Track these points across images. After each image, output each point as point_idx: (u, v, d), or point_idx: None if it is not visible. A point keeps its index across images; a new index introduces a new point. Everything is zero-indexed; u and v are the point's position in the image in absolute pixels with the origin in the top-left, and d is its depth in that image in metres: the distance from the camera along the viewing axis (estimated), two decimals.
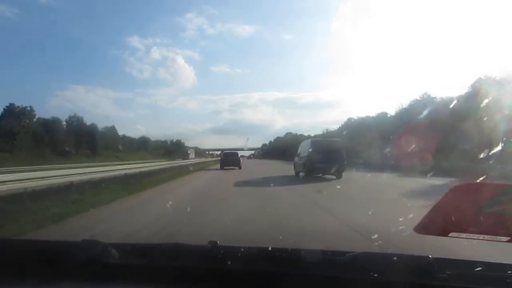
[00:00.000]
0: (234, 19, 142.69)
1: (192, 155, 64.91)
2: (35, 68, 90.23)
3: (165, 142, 76.97)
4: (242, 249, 1.27)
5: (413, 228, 1.18)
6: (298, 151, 18.92)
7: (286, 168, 22.86)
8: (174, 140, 79.15)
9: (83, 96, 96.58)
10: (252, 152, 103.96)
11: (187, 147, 76.58)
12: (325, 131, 58.41)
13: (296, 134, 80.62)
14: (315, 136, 49.39)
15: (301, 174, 17.36)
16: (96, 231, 4.96)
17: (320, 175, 16.13)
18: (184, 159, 43.69)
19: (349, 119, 55.07)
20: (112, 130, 60.72)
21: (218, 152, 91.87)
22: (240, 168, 25.04)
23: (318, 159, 15.36)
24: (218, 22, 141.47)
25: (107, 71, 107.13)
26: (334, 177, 15.53)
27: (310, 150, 16.20)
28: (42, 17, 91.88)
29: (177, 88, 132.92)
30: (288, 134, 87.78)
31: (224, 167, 25.33)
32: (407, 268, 1.11)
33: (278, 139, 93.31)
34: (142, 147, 67.20)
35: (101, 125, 57.20)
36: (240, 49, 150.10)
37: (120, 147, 55.85)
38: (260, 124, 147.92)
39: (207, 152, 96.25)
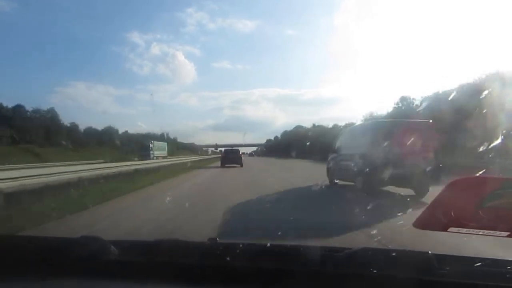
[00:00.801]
0: (235, 14, 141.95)
1: (162, 151, 43.59)
2: (34, 64, 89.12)
3: (147, 135, 57.81)
4: (241, 246, 1.27)
5: (412, 224, 1.18)
6: (337, 145, 11.38)
7: (305, 171, 17.75)
8: (159, 134, 63.05)
9: (84, 93, 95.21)
10: (254, 149, 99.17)
11: (180, 142, 61.03)
12: (368, 117, 41.29)
13: (314, 125, 69.63)
14: (347, 125, 30.30)
15: (337, 182, 10.82)
16: None
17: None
18: (142, 159, 29.00)
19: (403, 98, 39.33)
20: (47, 116, 44.02)
21: (212, 149, 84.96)
22: (241, 166, 23.97)
23: (389, 159, 7.92)
24: (218, 17, 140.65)
25: (107, 68, 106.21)
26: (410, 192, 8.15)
27: (373, 141, 8.71)
28: (41, 12, 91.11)
29: (178, 84, 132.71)
30: (298, 127, 77.57)
31: (225, 165, 24.54)
32: (406, 264, 1.11)
33: (285, 134, 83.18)
34: (107, 141, 50.09)
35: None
36: (241, 45, 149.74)
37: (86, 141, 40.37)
38: (261, 121, 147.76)
39: (203, 149, 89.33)
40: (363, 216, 5.32)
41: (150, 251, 1.30)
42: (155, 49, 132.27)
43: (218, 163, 26.81)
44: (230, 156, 25.64)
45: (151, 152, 39.03)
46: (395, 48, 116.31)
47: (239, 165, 24.23)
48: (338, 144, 11.53)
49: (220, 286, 1.18)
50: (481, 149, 13.18)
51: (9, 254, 1.32)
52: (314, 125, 69.49)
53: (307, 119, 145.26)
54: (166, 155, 43.53)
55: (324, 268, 1.17)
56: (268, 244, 1.31)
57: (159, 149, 43.37)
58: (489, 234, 1.09)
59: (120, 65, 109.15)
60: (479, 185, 1.12)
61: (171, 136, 67.43)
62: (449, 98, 23.55)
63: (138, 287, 1.20)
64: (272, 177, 15.58)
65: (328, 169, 11.87)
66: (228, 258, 1.21)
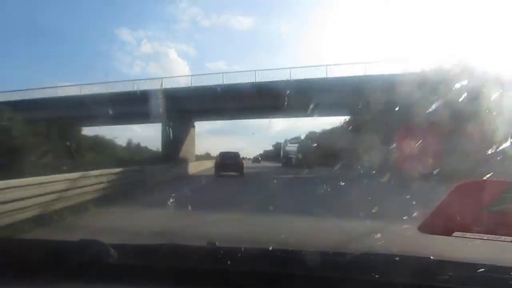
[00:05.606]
0: (231, 9, 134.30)
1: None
2: (16, 62, 73.85)
3: None
4: (242, 250, 1.26)
5: (417, 227, 1.16)
6: None
7: None
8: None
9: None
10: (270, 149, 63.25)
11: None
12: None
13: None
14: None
15: None
16: None
17: None
18: None
19: None
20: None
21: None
22: (242, 175, 18.54)
23: None
24: (213, 13, 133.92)
25: (97, 67, 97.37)
26: None
27: None
28: (22, 4, 78.30)
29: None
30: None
31: (221, 173, 18.67)
32: (409, 269, 1.10)
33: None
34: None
35: None
36: (237, 43, 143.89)
37: None
38: (259, 125, 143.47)
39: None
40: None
41: (150, 255, 1.30)
42: (146, 47, 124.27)
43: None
44: (227, 163, 19.37)
45: None
46: (400, 42, 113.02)
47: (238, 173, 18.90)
48: None
49: None
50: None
51: (7, 257, 1.31)
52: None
53: (307, 123, 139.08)
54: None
55: (326, 273, 1.15)
56: (270, 248, 1.29)
57: None
58: (494, 239, 1.07)
59: (110, 65, 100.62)
60: (485, 188, 1.10)
61: None
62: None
63: None
64: None
65: None
66: (229, 262, 1.20)
